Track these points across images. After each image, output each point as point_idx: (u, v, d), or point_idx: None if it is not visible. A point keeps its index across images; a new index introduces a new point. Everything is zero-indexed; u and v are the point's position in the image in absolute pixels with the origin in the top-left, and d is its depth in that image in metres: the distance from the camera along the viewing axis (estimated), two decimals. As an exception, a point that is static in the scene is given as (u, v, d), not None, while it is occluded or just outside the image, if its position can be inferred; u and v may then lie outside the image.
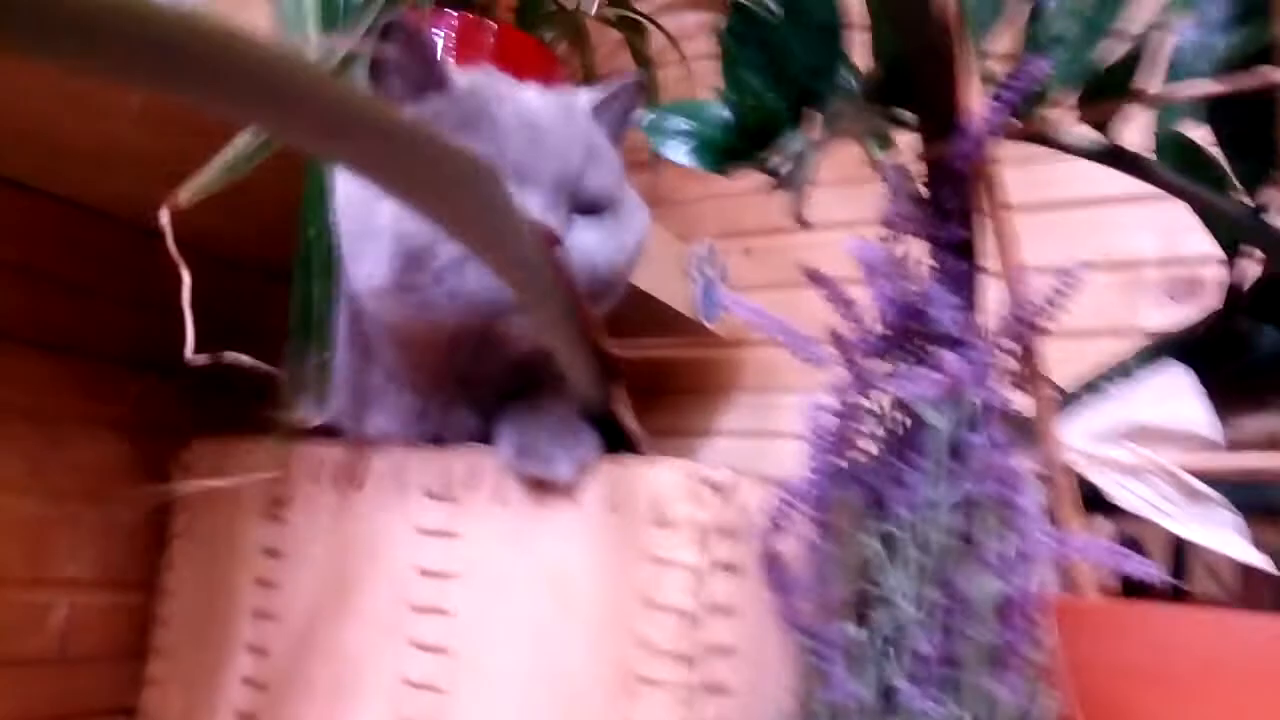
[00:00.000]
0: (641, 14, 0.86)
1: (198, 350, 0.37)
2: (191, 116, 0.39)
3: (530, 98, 0.48)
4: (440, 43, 0.73)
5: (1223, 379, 0.48)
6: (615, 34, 0.90)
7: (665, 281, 0.76)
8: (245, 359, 0.39)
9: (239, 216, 0.53)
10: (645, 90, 0.48)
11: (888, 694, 0.39)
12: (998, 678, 0.38)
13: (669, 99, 0.81)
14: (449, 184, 0.29)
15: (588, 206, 0.46)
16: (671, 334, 0.82)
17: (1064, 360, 0.78)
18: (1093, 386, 0.65)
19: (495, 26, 0.75)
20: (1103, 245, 0.78)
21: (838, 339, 0.42)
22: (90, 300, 0.67)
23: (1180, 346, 0.62)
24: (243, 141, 0.39)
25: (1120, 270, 0.78)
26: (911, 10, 0.33)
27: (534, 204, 0.44)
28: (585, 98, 0.50)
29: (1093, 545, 0.35)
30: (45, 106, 0.48)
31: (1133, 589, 0.53)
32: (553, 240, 0.43)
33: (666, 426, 0.91)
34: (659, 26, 0.86)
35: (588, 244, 0.46)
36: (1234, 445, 0.44)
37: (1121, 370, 0.65)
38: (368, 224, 0.44)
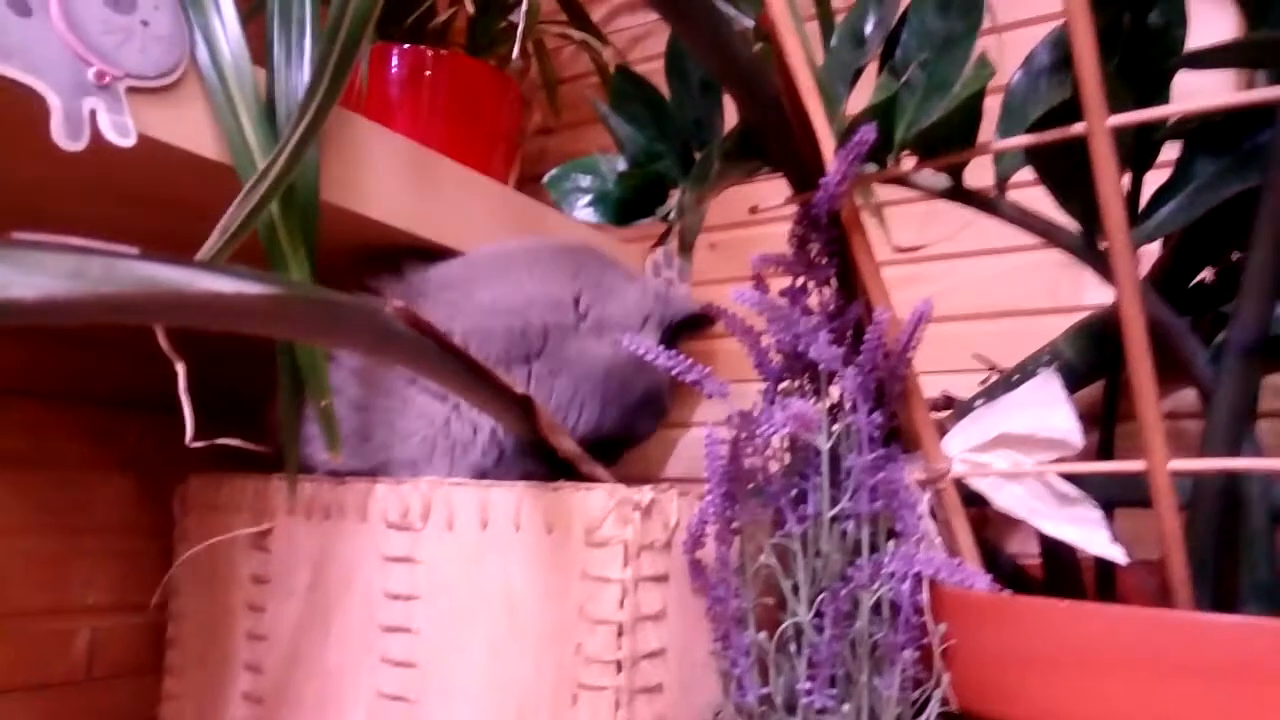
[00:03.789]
0: (580, 29, 0.88)
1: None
2: (173, 197, 0.43)
3: None
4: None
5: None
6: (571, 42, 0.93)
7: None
8: (237, 442, 0.44)
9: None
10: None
11: (793, 694, 0.44)
12: (883, 673, 0.43)
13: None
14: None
15: None
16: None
17: (1011, 338, 0.81)
18: (1024, 368, 0.68)
19: (444, 55, 0.78)
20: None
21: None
22: (86, 350, 0.72)
23: (1104, 325, 0.65)
24: (213, 240, 0.43)
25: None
26: (753, 90, 0.36)
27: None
28: None
29: (934, 559, 0.38)
30: (46, 193, 0.53)
31: (1016, 583, 0.57)
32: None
33: (643, 421, 0.95)
34: (606, 40, 0.88)
35: None
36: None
37: (1053, 352, 0.68)
38: None
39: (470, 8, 0.74)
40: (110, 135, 0.40)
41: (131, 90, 0.42)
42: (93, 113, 0.40)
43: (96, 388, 0.73)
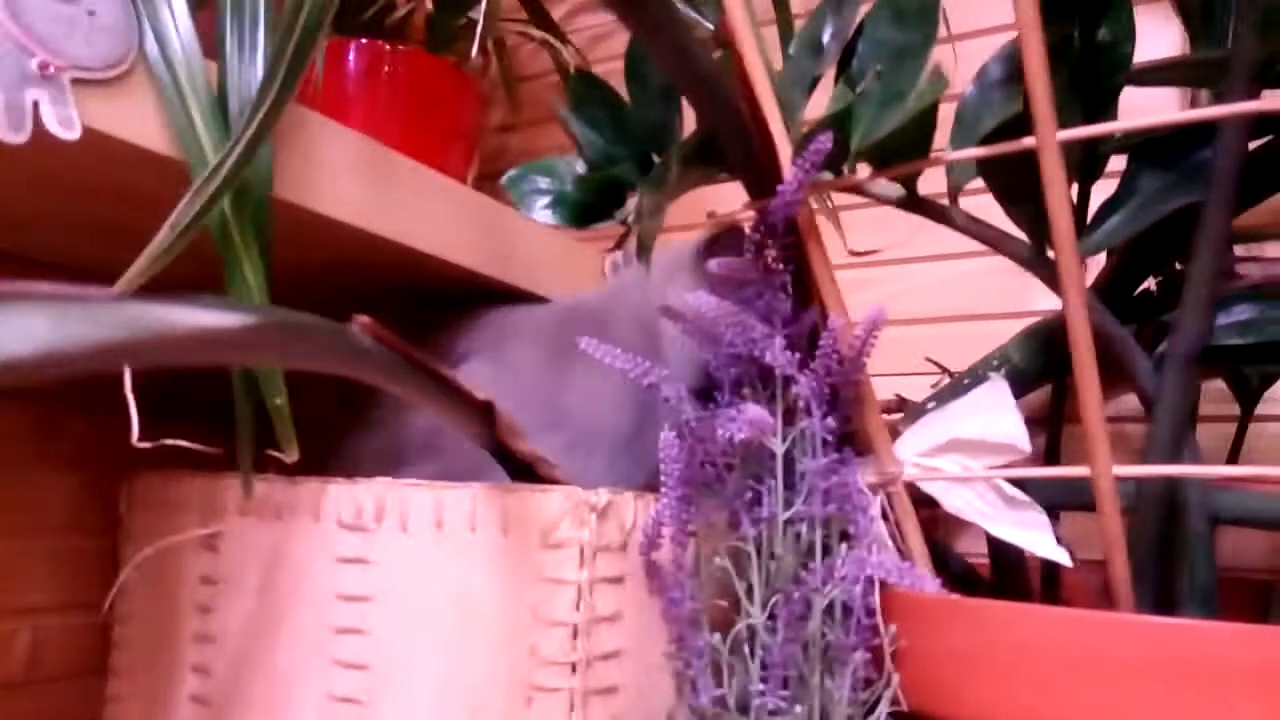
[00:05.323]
0: (540, 27, 0.88)
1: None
2: (123, 189, 0.42)
3: None
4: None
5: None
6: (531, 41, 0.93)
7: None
8: (184, 443, 0.43)
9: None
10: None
11: (746, 695, 0.44)
12: (834, 675, 0.43)
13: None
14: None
15: None
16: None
17: (962, 341, 0.82)
18: (974, 372, 0.70)
19: (403, 51, 0.77)
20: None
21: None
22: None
23: (1051, 331, 0.67)
24: (163, 236, 0.42)
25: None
26: (712, 96, 0.36)
27: None
28: None
29: (886, 563, 0.39)
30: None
31: (965, 582, 0.59)
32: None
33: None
34: (566, 39, 0.88)
35: None
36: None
37: (1001, 356, 0.69)
38: None
39: (429, 4, 0.73)
40: (53, 128, 0.39)
41: (77, 82, 0.41)
42: (35, 104, 0.39)
43: (37, 384, 0.71)
